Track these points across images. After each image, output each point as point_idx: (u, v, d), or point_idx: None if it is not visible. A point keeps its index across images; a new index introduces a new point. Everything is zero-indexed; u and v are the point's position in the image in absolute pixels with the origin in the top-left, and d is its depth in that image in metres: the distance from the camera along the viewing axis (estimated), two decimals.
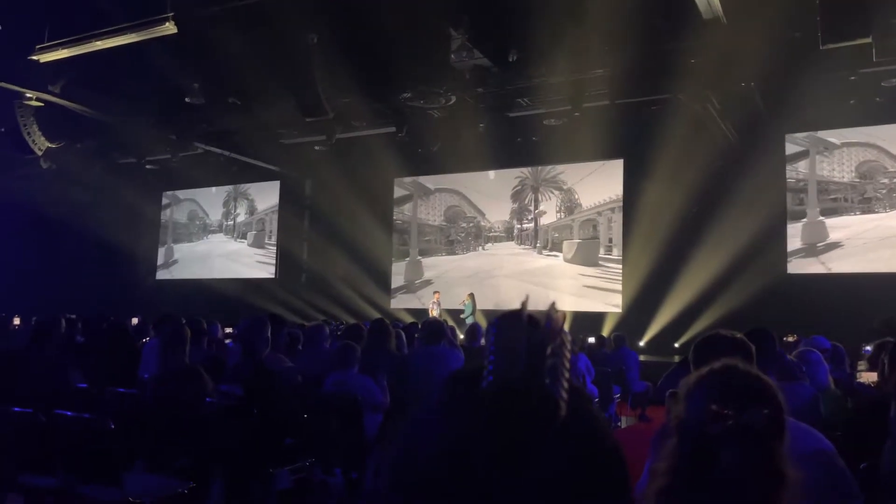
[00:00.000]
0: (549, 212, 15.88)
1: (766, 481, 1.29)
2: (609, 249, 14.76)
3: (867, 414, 3.32)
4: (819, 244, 12.96)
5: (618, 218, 14.85)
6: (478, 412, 0.59)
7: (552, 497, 0.57)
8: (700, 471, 1.31)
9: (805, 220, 13.17)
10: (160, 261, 21.13)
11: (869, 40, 8.23)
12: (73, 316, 9.05)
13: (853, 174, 13.07)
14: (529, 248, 15.99)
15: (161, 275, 21.03)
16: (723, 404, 1.32)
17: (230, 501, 3.90)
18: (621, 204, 14.88)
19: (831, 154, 13.21)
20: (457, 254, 16.84)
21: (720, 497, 1.29)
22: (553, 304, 0.61)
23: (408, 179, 17.37)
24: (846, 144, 13.12)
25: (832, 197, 13.22)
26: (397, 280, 17.30)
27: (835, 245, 12.83)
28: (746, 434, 1.29)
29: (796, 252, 13.11)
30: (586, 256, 14.91)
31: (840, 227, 12.97)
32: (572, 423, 0.58)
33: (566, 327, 0.60)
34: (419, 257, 17.10)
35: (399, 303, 17.06)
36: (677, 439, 1.37)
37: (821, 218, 13.04)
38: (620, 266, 14.77)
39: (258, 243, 19.59)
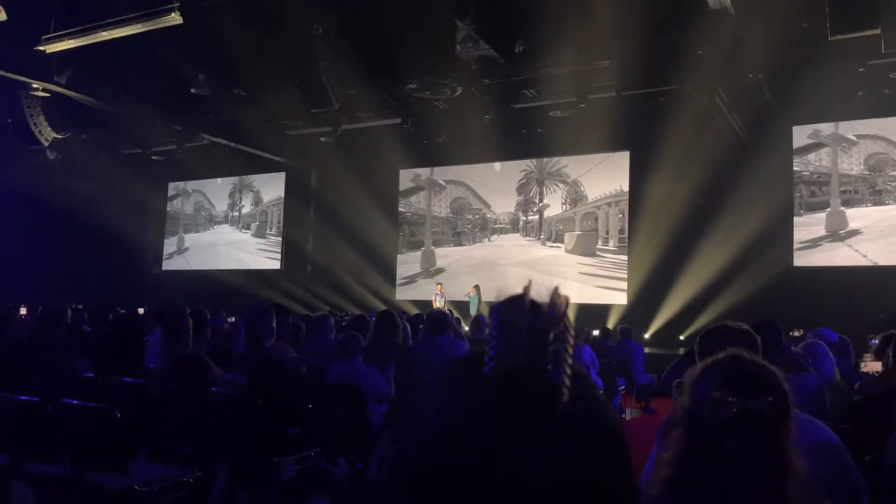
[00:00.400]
0: (555, 204, 15.95)
1: (771, 470, 1.28)
2: (606, 241, 15.01)
3: (873, 406, 3.32)
4: (841, 231, 12.97)
5: (615, 211, 15.10)
6: (479, 398, 0.58)
7: (554, 482, 0.57)
8: (705, 460, 1.30)
9: (829, 209, 13.13)
10: (170, 251, 21.19)
11: (878, 31, 8.18)
12: (80, 306, 9.09)
13: (862, 167, 13.01)
14: (534, 240, 16.09)
15: (167, 265, 21.10)
16: (728, 392, 1.32)
17: (235, 490, 3.91)
18: (619, 198, 15.07)
19: (842, 147, 13.16)
20: (464, 245, 16.94)
21: (726, 486, 1.29)
22: (556, 289, 0.60)
23: (423, 175, 17.39)
24: (855, 137, 13.06)
25: (842, 189, 13.17)
26: (411, 269, 17.39)
27: (855, 232, 12.81)
28: (751, 421, 1.29)
29: (823, 238, 13.09)
30: (585, 247, 15.21)
31: (853, 217, 12.95)
32: (575, 408, 0.58)
33: (569, 313, 0.59)
34: (433, 247, 17.20)
35: (408, 293, 17.10)
36: (683, 429, 1.37)
37: (842, 208, 13.01)
38: (616, 256, 14.96)
39: (260, 234, 19.68)
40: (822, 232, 13.11)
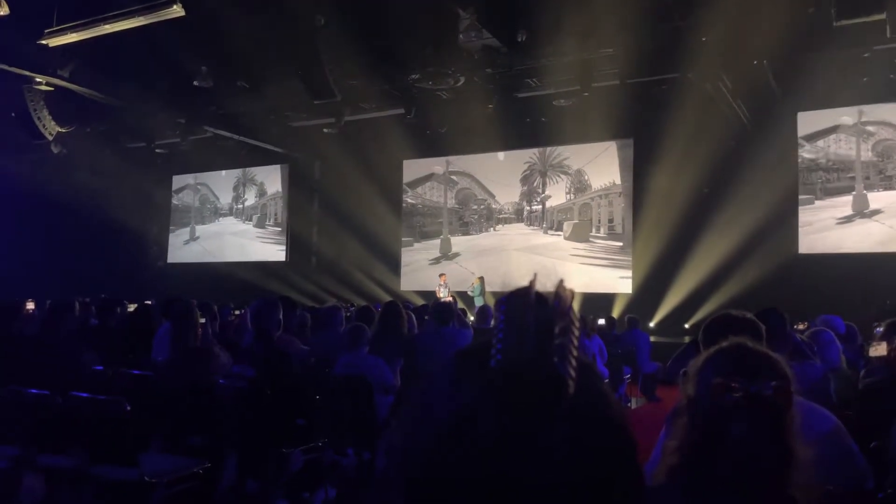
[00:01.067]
0: (560, 193, 16.24)
1: (775, 455, 1.29)
2: (598, 229, 15.77)
3: (877, 394, 3.33)
4: (866, 210, 13.00)
5: (605, 203, 15.75)
6: (486, 390, 0.59)
7: (560, 474, 0.57)
8: (710, 447, 1.32)
9: (854, 192, 13.12)
10: (177, 244, 21.25)
11: (883, 17, 8.13)
12: (87, 299, 9.13)
13: (871, 153, 12.96)
14: (537, 229, 16.44)
15: (172, 258, 21.17)
16: (731, 378, 1.33)
17: (244, 481, 3.95)
18: (610, 190, 15.64)
19: (849, 133, 13.12)
20: (471, 234, 17.26)
21: (730, 473, 1.30)
22: (561, 282, 0.60)
23: (439, 170, 17.49)
24: (863, 123, 13.01)
25: (850, 175, 13.12)
26: (429, 254, 17.58)
27: (877, 212, 12.85)
28: (755, 405, 1.30)
29: (852, 216, 13.09)
30: (580, 235, 15.97)
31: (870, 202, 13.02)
32: (580, 400, 0.58)
33: (574, 305, 0.60)
34: (448, 235, 17.55)
35: (413, 283, 17.16)
36: (687, 416, 1.38)
37: (864, 191, 12.99)
38: (605, 242, 15.57)
39: (260, 225, 19.84)
40: (848, 212, 13.10)
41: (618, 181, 15.50)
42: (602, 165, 15.67)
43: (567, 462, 0.57)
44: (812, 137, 13.42)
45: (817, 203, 13.31)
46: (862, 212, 13.00)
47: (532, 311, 0.58)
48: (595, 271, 15.37)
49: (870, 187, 12.95)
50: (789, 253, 12.86)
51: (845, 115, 13.09)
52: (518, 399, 0.58)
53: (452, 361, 0.65)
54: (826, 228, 13.17)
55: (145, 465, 3.50)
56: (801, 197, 13.37)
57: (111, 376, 4.41)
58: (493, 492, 0.56)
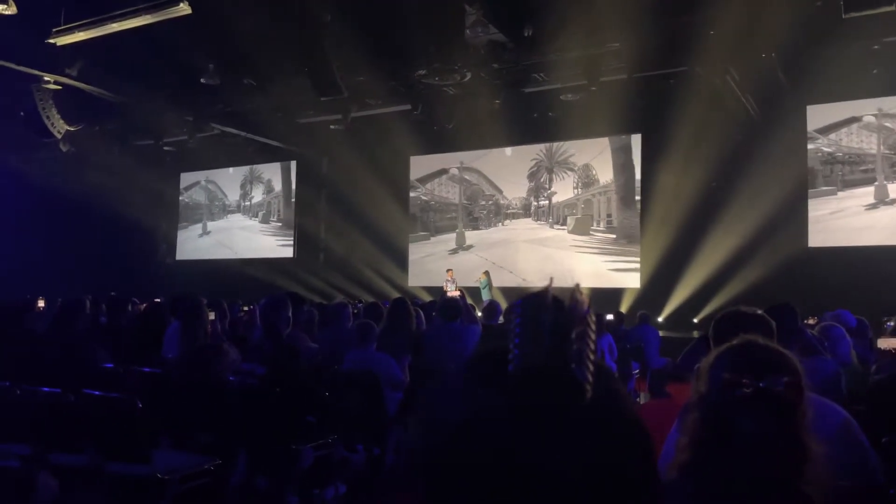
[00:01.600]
0: (566, 189, 16.41)
1: (786, 451, 1.30)
2: (598, 223, 16.25)
3: (889, 388, 3.31)
4: (887, 199, 12.99)
5: (603, 199, 16.22)
6: (504, 394, 0.59)
7: (577, 477, 0.58)
8: (720, 443, 1.32)
9: (876, 183, 13.08)
10: (185, 241, 21.32)
11: (892, 9, 8.06)
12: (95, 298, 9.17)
13: (882, 146, 12.88)
14: (544, 224, 16.65)
15: (181, 255, 21.24)
16: (741, 373, 1.33)
17: (254, 478, 3.97)
18: (608, 188, 16.07)
19: (862, 126, 13.05)
20: (481, 229, 17.44)
21: (741, 469, 1.30)
22: (577, 286, 0.61)
23: (454, 169, 17.64)
24: (876, 116, 12.93)
25: (864, 168, 13.04)
26: (445, 246, 17.70)
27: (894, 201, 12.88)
28: (764, 401, 1.30)
29: (875, 205, 13.07)
30: (582, 228, 16.38)
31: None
32: (598, 404, 0.59)
33: (590, 309, 0.60)
34: (463, 229, 17.76)
35: (420, 279, 17.20)
36: (698, 413, 1.39)
37: (884, 182, 12.96)
38: (604, 235, 15.95)
39: (266, 221, 20.06)
40: (870, 200, 13.05)
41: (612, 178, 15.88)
42: (608, 160, 15.85)
43: (582, 464, 0.58)
44: (826, 130, 13.36)
45: (840, 194, 13.26)
46: (883, 200, 12.96)
47: (548, 315, 0.59)
48: (599, 266, 15.54)
49: (884, 179, 12.89)
50: (799, 247, 12.79)
51: (856, 108, 13.01)
52: (536, 403, 0.58)
53: (469, 364, 0.66)
54: (846, 220, 13.12)
55: (158, 462, 3.52)
56: (823, 188, 13.31)
57: (122, 374, 4.44)
58: (507, 492, 0.57)
